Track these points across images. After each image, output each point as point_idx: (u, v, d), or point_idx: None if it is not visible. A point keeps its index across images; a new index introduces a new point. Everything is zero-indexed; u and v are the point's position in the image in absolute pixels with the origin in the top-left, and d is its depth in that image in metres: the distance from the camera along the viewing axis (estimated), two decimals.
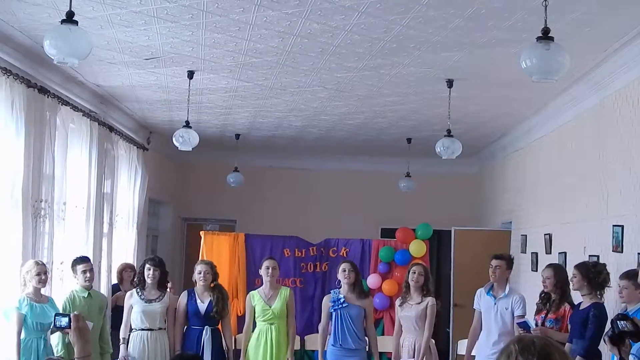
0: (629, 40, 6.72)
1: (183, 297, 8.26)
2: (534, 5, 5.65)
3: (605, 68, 7.51)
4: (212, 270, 8.29)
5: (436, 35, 6.82)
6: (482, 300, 7.96)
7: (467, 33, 6.69)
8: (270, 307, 8.24)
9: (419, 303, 7.97)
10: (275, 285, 8.44)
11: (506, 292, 7.86)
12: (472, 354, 8.14)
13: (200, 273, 8.20)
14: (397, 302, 8.19)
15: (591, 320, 6.45)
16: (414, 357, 7.89)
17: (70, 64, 5.34)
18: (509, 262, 8.00)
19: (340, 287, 8.22)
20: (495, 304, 7.82)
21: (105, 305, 8.06)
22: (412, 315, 7.95)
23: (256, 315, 8.27)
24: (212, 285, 8.24)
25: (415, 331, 7.96)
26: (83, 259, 7.98)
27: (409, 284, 8.06)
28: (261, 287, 8.43)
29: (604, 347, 6.48)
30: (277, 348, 8.22)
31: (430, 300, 7.98)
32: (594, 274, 6.73)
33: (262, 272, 8.37)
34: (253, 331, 8.35)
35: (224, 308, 8.23)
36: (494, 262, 7.90)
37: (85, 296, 7.73)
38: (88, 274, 7.76)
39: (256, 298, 8.31)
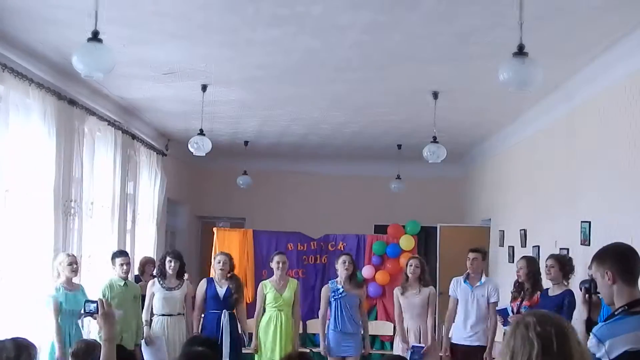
0: (595, 55, 6.69)
1: (203, 284, 8.26)
2: (510, 23, 5.61)
3: (575, 81, 7.49)
4: (230, 262, 8.30)
5: (423, 51, 6.80)
6: (459, 288, 7.94)
7: (451, 49, 6.67)
8: (281, 295, 8.23)
9: (420, 292, 7.97)
10: (285, 276, 8.42)
11: (482, 281, 7.87)
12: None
13: (220, 262, 8.21)
14: (398, 291, 8.12)
15: (567, 306, 6.43)
16: (419, 340, 7.88)
17: (96, 77, 5.33)
18: (484, 254, 8.08)
19: (337, 277, 8.22)
20: (472, 291, 7.82)
21: (139, 294, 8.03)
22: (415, 302, 7.96)
23: (267, 302, 8.26)
24: (229, 275, 8.22)
25: (419, 317, 7.97)
26: (122, 253, 8.04)
27: (407, 276, 8.06)
28: (272, 278, 8.40)
29: None
30: (286, 332, 8.22)
31: (431, 290, 8.06)
32: (569, 266, 6.80)
33: (273, 265, 8.35)
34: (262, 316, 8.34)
35: (240, 295, 8.25)
36: (472, 255, 7.91)
37: (122, 285, 7.74)
38: (125, 267, 7.79)
39: (268, 287, 8.29)
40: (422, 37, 6.35)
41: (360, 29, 6.14)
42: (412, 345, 7.83)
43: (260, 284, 8.51)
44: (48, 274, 7.14)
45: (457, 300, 7.94)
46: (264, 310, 8.30)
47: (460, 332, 7.86)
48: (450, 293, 8.08)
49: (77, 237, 8.02)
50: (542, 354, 2.36)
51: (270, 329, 8.20)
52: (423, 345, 7.81)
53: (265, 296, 8.27)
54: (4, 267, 6.60)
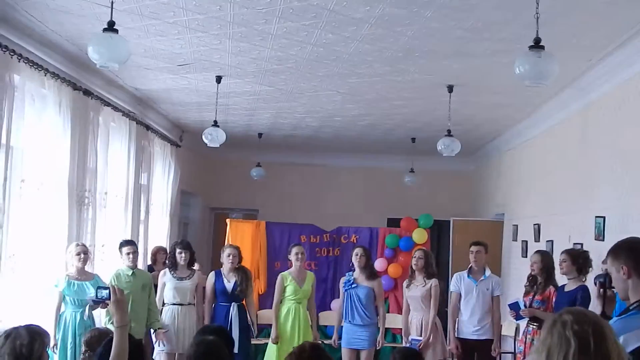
0: (611, 51, 6.66)
1: (211, 277, 8.27)
2: (526, 19, 5.60)
3: (590, 76, 7.44)
4: (239, 254, 8.31)
5: (438, 46, 6.78)
6: (462, 283, 7.91)
7: (466, 43, 6.64)
8: (301, 288, 8.28)
9: (424, 285, 7.93)
10: (303, 269, 8.45)
11: (486, 275, 7.85)
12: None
13: (229, 256, 8.21)
14: (404, 284, 8.16)
15: (579, 302, 6.38)
16: (421, 333, 7.86)
17: (111, 67, 5.34)
18: (486, 247, 8.04)
19: (354, 270, 8.23)
20: (477, 286, 7.80)
21: (148, 283, 8.02)
22: (417, 295, 7.91)
23: (286, 294, 8.27)
24: (237, 267, 8.24)
25: (422, 309, 7.91)
26: (128, 242, 8.05)
27: (413, 268, 8.04)
28: (291, 270, 8.40)
29: None
30: (305, 323, 8.27)
31: (433, 282, 7.93)
32: (583, 260, 6.73)
33: (292, 257, 8.36)
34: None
35: (248, 287, 8.26)
36: (474, 248, 7.90)
37: (130, 274, 7.76)
38: (132, 256, 7.80)
39: (288, 279, 8.31)
40: (437, 31, 6.32)
41: (376, 22, 6.13)
42: (411, 339, 7.86)
43: (279, 275, 8.49)
44: (61, 263, 7.19)
45: (460, 295, 7.92)
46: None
47: (468, 327, 7.85)
48: (451, 288, 8.05)
49: (91, 227, 8.04)
50: (579, 352, 2.33)
51: (288, 321, 8.22)
52: (422, 338, 7.82)
53: (285, 288, 8.28)
54: (19, 256, 6.64)
